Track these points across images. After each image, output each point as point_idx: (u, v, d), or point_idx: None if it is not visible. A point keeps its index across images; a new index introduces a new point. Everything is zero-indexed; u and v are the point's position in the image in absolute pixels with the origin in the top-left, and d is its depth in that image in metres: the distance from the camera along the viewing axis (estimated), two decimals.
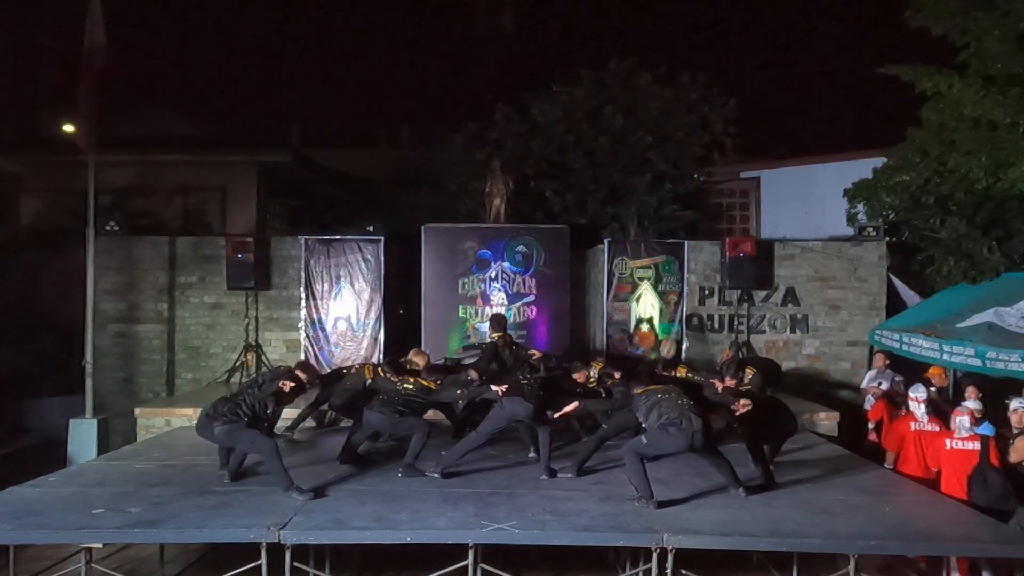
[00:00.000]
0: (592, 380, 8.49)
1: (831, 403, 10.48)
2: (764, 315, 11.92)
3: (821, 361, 11.94)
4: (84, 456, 9.96)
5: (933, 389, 8.49)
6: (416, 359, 8.56)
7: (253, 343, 11.68)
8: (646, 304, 11.74)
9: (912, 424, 7.71)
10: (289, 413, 8.93)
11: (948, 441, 7.02)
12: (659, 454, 6.75)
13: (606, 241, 12.07)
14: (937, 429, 7.50)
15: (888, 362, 10.24)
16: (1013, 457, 6.73)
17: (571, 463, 7.52)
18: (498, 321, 10.16)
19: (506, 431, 7.90)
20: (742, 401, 6.95)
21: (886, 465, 7.97)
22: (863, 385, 10.47)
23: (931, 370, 9.32)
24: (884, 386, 9.65)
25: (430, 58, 32.09)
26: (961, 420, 6.96)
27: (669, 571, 5.84)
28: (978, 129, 10.75)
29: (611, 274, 11.85)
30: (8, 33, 14.91)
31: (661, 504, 6.43)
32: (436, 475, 7.15)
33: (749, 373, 9.21)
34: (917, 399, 7.77)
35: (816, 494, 6.86)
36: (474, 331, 11.61)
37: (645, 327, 11.48)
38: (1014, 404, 6.99)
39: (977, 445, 6.81)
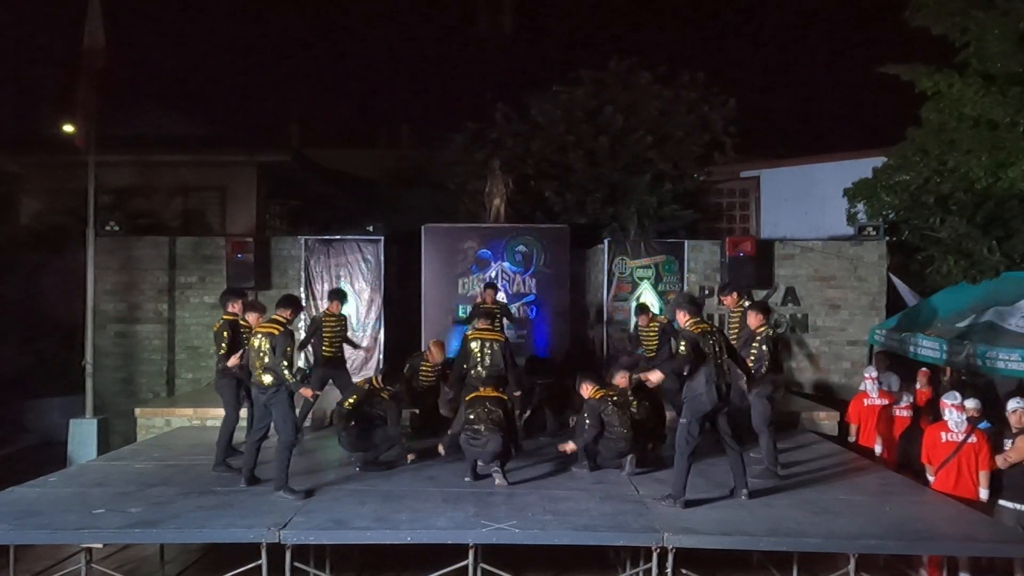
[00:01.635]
0: None
1: (831, 403, 10.47)
2: None
3: (821, 361, 11.93)
4: (84, 456, 9.96)
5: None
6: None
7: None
8: (646, 304, 11.71)
9: (865, 400, 9.00)
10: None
11: (944, 434, 7.73)
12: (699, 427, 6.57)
13: (606, 241, 12.07)
14: (886, 403, 8.89)
15: (888, 363, 10.27)
16: (1013, 456, 6.74)
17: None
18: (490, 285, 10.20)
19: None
20: None
21: (849, 438, 9.06)
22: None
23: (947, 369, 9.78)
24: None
25: (430, 58, 32.17)
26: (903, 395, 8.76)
27: (669, 571, 5.84)
28: (978, 128, 10.75)
29: (611, 274, 11.84)
30: (8, 33, 14.92)
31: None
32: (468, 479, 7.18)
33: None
34: (870, 377, 9.07)
35: (816, 494, 6.86)
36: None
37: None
38: (1012, 404, 7.00)
39: (910, 412, 8.58)
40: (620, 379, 7.99)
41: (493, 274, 11.84)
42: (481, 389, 7.54)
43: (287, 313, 6.90)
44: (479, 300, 10.67)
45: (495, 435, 7.06)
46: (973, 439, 6.99)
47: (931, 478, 7.22)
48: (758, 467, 7.27)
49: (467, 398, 7.55)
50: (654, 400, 8.11)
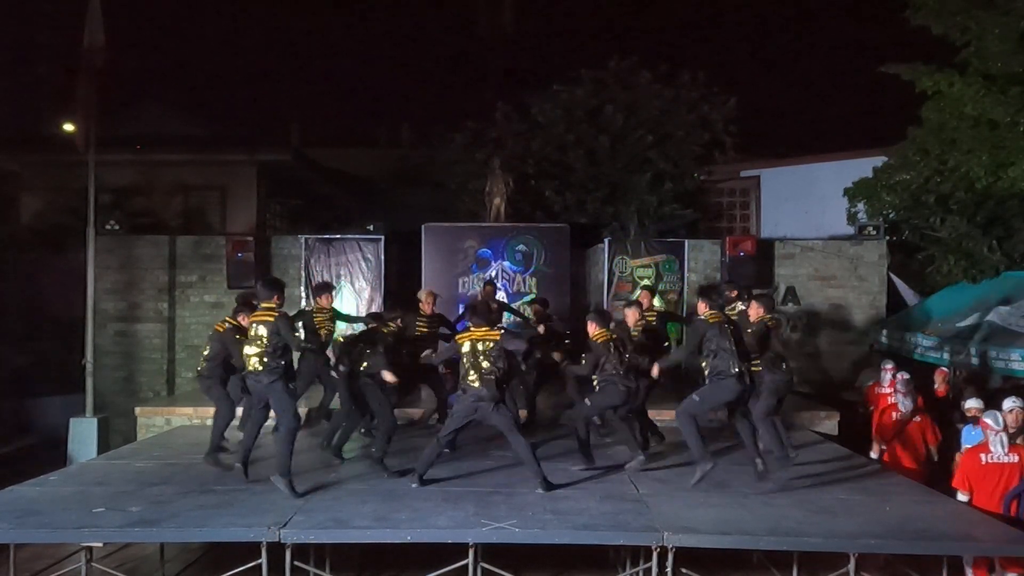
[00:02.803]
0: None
1: (831, 403, 10.47)
2: None
3: (821, 361, 11.92)
4: (84, 455, 9.96)
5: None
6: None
7: None
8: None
9: (876, 388, 9.33)
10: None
11: (895, 414, 8.54)
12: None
13: (606, 240, 12.06)
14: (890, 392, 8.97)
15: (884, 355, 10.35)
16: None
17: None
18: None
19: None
20: None
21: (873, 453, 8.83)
22: (859, 383, 10.53)
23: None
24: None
25: (430, 57, 32.17)
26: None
27: (669, 570, 5.84)
28: (978, 128, 10.75)
29: (611, 273, 11.84)
30: (8, 32, 14.92)
31: (661, 503, 6.45)
32: (414, 485, 6.81)
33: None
34: (886, 368, 9.28)
35: (816, 493, 6.85)
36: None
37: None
38: (1008, 404, 7.02)
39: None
40: (630, 313, 8.27)
41: (493, 273, 11.85)
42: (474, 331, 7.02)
43: (275, 299, 6.85)
44: (479, 298, 10.67)
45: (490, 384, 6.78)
46: (917, 419, 8.14)
47: (874, 455, 8.34)
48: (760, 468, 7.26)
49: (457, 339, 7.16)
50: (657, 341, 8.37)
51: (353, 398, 7.64)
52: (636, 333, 8.30)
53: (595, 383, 7.45)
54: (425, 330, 9.24)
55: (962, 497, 6.57)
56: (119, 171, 13.39)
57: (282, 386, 6.68)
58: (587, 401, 7.49)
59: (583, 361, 7.67)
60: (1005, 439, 6.42)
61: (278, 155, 15.34)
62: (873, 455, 8.33)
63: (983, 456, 6.49)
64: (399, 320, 8.29)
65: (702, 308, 6.86)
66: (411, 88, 30.85)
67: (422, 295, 9.45)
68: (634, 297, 11.67)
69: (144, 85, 18.51)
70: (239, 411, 8.12)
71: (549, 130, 14.87)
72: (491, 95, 16.04)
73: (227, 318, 8.20)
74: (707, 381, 6.78)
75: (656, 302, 11.27)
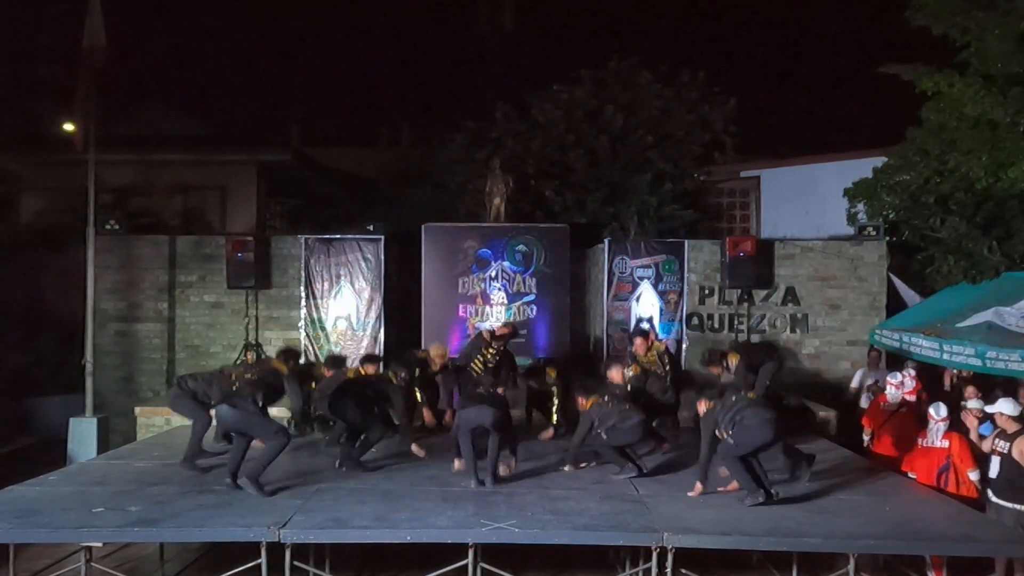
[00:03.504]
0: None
1: (831, 403, 10.47)
2: (764, 315, 11.90)
3: (821, 361, 11.91)
4: (84, 455, 9.97)
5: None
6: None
7: (253, 342, 11.67)
8: (646, 303, 11.71)
9: (882, 404, 8.96)
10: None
11: (882, 403, 8.72)
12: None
13: (606, 240, 12.06)
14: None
15: (880, 354, 10.54)
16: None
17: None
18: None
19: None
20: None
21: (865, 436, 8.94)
22: (853, 384, 10.52)
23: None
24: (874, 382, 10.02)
25: (431, 57, 32.16)
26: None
27: (669, 570, 5.84)
28: (978, 128, 10.74)
29: (611, 273, 11.83)
30: (8, 32, 14.93)
31: (660, 503, 6.45)
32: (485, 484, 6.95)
33: (733, 360, 9.42)
34: (891, 383, 8.96)
35: (816, 493, 6.86)
36: (474, 330, 11.58)
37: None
38: (997, 408, 7.04)
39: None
40: (615, 374, 8.23)
41: (493, 273, 11.85)
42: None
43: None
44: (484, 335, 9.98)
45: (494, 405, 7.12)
46: (904, 409, 8.35)
47: (866, 437, 8.69)
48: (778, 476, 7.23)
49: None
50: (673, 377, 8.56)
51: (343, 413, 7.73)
52: (650, 361, 8.63)
53: (603, 433, 7.39)
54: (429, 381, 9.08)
55: (911, 476, 7.53)
56: (119, 171, 13.38)
57: (254, 410, 6.88)
58: (604, 435, 7.38)
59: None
60: (942, 428, 7.37)
61: (278, 155, 15.35)
62: (865, 436, 8.70)
63: (920, 440, 7.57)
64: (403, 374, 8.42)
65: (702, 408, 7.01)
66: (411, 88, 30.83)
67: (432, 351, 9.19)
68: (635, 296, 11.73)
69: (144, 84, 18.51)
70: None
71: (549, 130, 14.86)
72: (491, 95, 16.05)
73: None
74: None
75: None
